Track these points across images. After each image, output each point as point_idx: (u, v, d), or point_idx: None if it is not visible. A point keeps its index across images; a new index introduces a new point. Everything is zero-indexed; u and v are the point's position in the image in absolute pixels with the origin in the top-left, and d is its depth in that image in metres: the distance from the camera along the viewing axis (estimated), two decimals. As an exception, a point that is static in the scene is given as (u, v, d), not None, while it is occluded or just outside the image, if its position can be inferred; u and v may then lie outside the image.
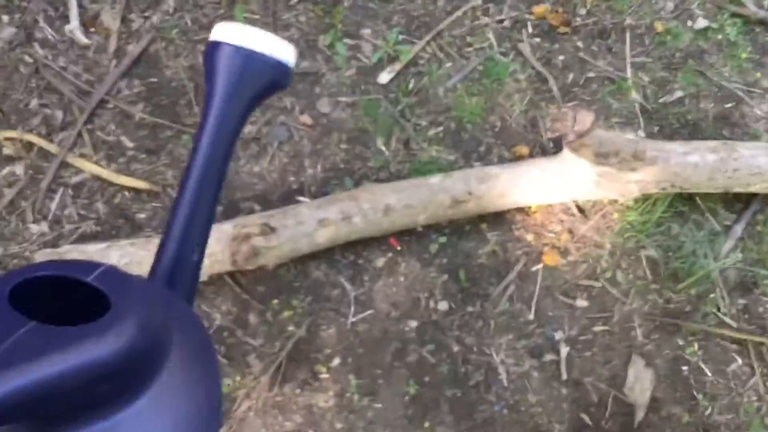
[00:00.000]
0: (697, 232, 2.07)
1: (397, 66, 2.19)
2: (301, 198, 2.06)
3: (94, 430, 0.51)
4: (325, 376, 1.93)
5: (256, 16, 2.23)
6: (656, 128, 2.20)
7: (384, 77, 2.17)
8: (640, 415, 1.94)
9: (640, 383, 1.96)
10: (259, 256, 1.89)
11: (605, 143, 1.95)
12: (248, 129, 2.12)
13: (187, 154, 2.09)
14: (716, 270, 2.04)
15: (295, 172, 2.10)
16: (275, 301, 1.98)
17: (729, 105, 2.24)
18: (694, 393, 1.97)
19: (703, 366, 1.99)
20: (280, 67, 0.76)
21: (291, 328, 1.95)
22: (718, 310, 2.04)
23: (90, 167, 2.10)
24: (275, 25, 2.22)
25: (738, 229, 2.10)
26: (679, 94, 2.23)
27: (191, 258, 0.69)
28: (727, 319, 2.03)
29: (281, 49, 0.76)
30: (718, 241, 2.07)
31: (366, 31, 2.24)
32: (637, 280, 2.05)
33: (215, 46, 0.76)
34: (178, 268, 0.71)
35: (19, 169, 2.10)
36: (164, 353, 0.55)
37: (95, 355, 0.48)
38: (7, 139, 2.11)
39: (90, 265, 0.53)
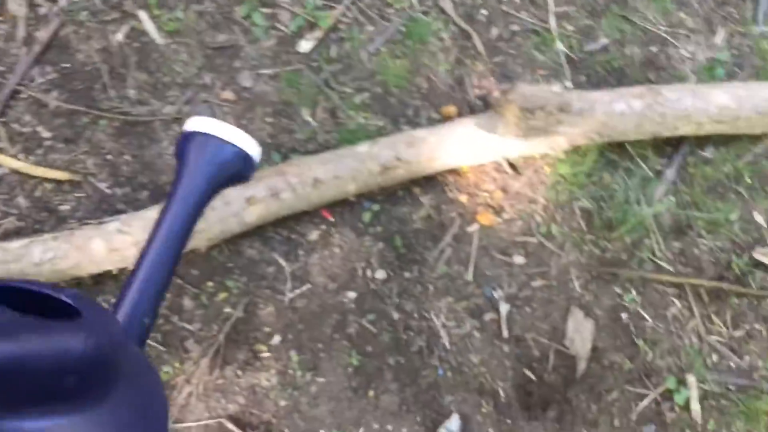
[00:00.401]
0: (628, 180, 2.07)
1: (318, 33, 2.13)
2: (228, 176, 2.01)
3: (49, 423, 0.55)
4: (266, 354, 1.90)
5: (168, -9, 2.15)
6: (583, 78, 2.18)
7: (305, 46, 2.12)
8: (582, 365, 1.95)
9: (580, 334, 1.97)
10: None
11: (530, 98, 1.92)
12: (167, 109, 2.06)
13: (105, 139, 2.03)
14: (650, 216, 2.05)
15: (220, 150, 2.05)
16: (210, 284, 1.94)
17: (654, 48, 2.23)
18: (635, 339, 1.99)
19: (642, 312, 2.01)
20: (247, 159, 0.85)
21: (228, 309, 1.92)
22: (654, 255, 2.05)
23: (7, 161, 2.02)
24: (189, 0, 2.15)
25: (669, 174, 2.11)
26: (604, 41, 2.21)
27: (143, 320, 0.73)
28: (664, 264, 2.05)
29: (248, 144, 0.85)
30: (650, 187, 2.08)
31: (283, -1, 2.18)
32: (573, 232, 2.05)
33: (190, 135, 0.85)
34: (130, 327, 0.75)
35: (-67, 168, 2.02)
36: (118, 374, 0.60)
37: (68, 345, 0.54)
38: None
39: (59, 288, 0.60)
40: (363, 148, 1.92)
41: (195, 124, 0.86)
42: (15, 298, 0.57)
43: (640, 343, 1.98)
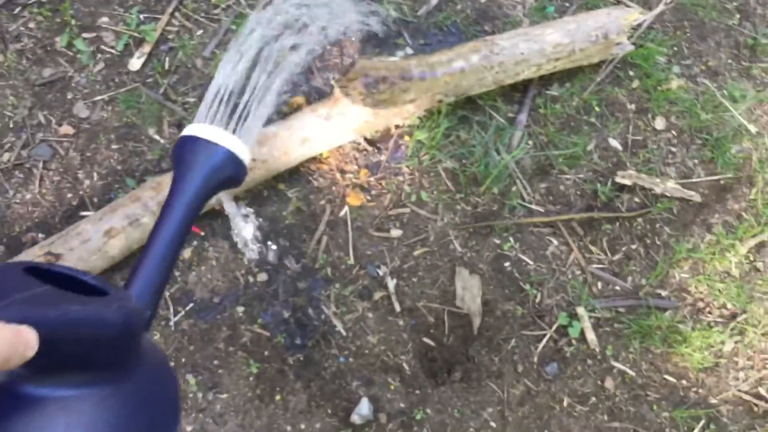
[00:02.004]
0: (484, 133, 2.10)
1: (146, 48, 2.07)
2: (85, 213, 1.93)
3: (81, 392, 0.58)
4: (162, 384, 1.85)
5: (-21, 35, 2.04)
6: (422, 41, 2.19)
7: (135, 63, 2.05)
8: (476, 321, 1.98)
9: (469, 292, 2.00)
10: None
11: (371, 72, 1.92)
12: (6, 156, 1.96)
13: (-54, 202, 1.92)
14: (511, 163, 2.09)
15: (71, 187, 1.97)
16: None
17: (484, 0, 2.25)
18: (521, 285, 2.03)
19: (523, 257, 2.05)
20: (238, 162, 0.90)
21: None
22: (523, 200, 2.10)
23: None
24: (4, 40, 2.04)
25: (522, 118, 2.15)
26: (434, 1, 2.22)
27: (146, 312, 0.76)
28: (534, 207, 2.09)
29: (240, 148, 0.90)
30: (506, 135, 2.11)
31: (103, 20, 2.09)
32: (442, 194, 2.07)
33: (188, 139, 0.89)
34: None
35: None
36: (141, 350, 0.65)
37: (104, 315, 0.58)
38: None
39: (82, 271, 0.65)
40: (215, 155, 1.87)
41: (190, 129, 0.91)
42: (47, 279, 0.60)
43: (527, 287, 2.02)
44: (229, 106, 0.99)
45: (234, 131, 0.96)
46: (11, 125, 1.99)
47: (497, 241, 2.05)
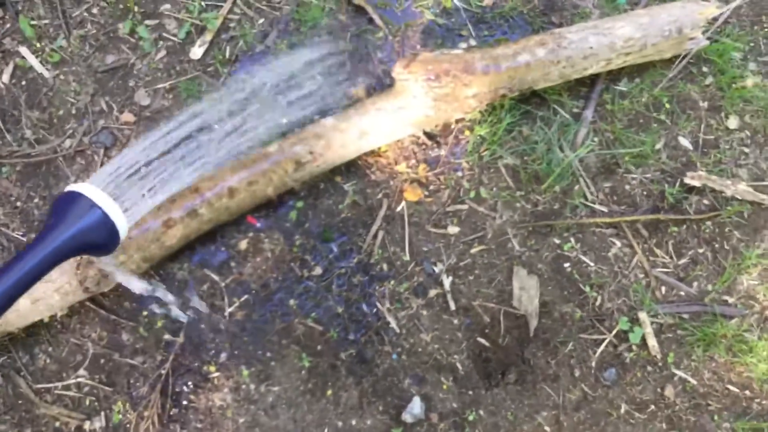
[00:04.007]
0: (547, 129, 2.04)
1: (208, 36, 2.06)
2: (144, 200, 1.94)
3: None
4: (215, 374, 1.86)
5: (45, 21, 2.06)
6: (486, 33, 2.13)
7: (196, 52, 2.04)
8: (533, 323, 1.93)
9: (526, 292, 1.95)
10: (110, 274, 1.78)
11: (432, 64, 1.88)
12: (68, 143, 1.98)
13: (11, 186, 1.95)
14: (575, 161, 2.02)
15: (130, 175, 1.98)
16: (145, 314, 1.88)
17: (552, -10, 2.18)
18: (581, 287, 1.97)
19: (583, 258, 1.99)
20: (112, 230, 0.93)
21: (168, 336, 1.87)
22: (586, 199, 2.03)
23: None
24: (68, 26, 2.05)
25: (588, 114, 2.08)
26: (501, -8, 2.16)
27: None
28: (597, 206, 2.03)
29: (120, 221, 0.94)
30: (570, 132, 2.05)
31: (165, 7, 2.09)
32: (502, 191, 2.02)
33: (73, 194, 0.93)
34: None
35: None
36: None
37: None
38: None
39: None
40: (273, 148, 1.86)
41: (79, 186, 0.94)
42: None
43: (587, 289, 1.96)
44: (130, 180, 0.99)
45: (123, 203, 0.95)
46: (74, 111, 2.00)
47: (557, 241, 2.00)
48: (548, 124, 2.04)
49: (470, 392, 1.89)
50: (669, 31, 1.99)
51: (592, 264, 1.99)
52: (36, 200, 1.95)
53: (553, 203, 2.01)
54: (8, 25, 2.06)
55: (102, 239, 0.93)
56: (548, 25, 2.13)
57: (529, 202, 2.01)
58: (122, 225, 0.93)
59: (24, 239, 1.92)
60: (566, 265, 1.98)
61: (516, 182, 2.02)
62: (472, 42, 2.11)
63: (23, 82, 2.03)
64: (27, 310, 1.77)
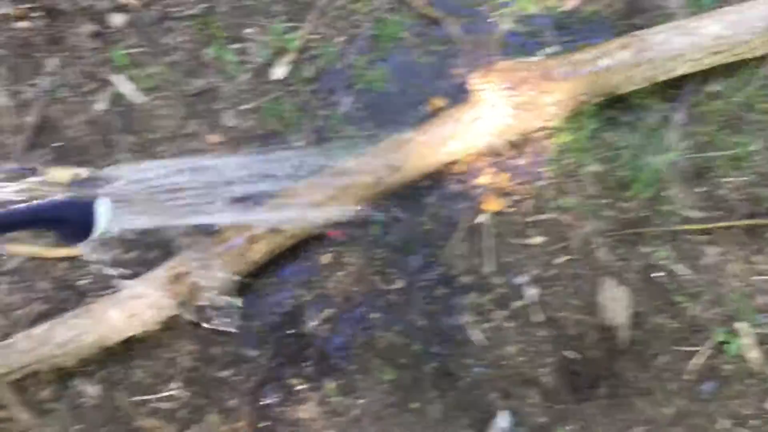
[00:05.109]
0: (633, 134, 1.97)
1: (289, 57, 2.11)
2: (231, 218, 2.01)
3: None
4: (302, 387, 1.89)
5: (138, 49, 2.16)
6: (567, 38, 2.09)
7: (279, 72, 2.10)
8: (624, 335, 1.87)
9: (615, 303, 1.89)
10: (200, 289, 1.84)
11: (510, 73, 1.86)
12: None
13: (108, 208, 2.05)
14: (664, 165, 1.95)
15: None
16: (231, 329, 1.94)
17: (635, -9, 2.12)
18: (674, 297, 1.89)
19: (676, 267, 1.91)
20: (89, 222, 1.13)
21: (253, 351, 1.91)
22: (677, 206, 1.95)
23: (23, 249, 2.07)
24: (158, 53, 2.15)
25: (678, 117, 2.01)
26: (580, -4, 2.12)
27: None
28: (689, 213, 1.94)
29: (104, 212, 1.09)
30: (658, 136, 1.97)
31: (248, 31, 2.16)
32: (587, 200, 1.97)
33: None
34: None
35: (-43, 271, 2.08)
36: None
37: None
38: (-66, 245, 2.09)
39: None
40: (352, 163, 1.88)
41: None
42: None
43: (680, 299, 1.88)
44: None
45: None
46: (166, 135, 2.09)
47: (647, 250, 1.92)
48: (634, 129, 1.98)
49: (559, 406, 1.84)
50: (760, 28, 1.90)
51: (685, 273, 1.91)
52: (132, 220, 2.04)
53: (642, 211, 1.95)
54: (104, 55, 2.18)
55: (75, 217, 1.04)
56: (632, 28, 2.07)
57: (616, 210, 1.95)
58: (102, 219, 1.01)
59: (122, 258, 2.02)
60: (657, 274, 1.91)
61: (601, 190, 1.97)
62: (554, 49, 2.07)
63: (118, 108, 2.13)
64: (122, 324, 1.85)
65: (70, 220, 1.05)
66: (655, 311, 1.88)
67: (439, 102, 2.05)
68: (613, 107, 2.00)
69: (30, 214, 1.06)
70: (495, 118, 1.87)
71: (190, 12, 2.20)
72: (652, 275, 1.91)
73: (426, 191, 2.00)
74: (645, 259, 1.92)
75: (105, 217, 1.01)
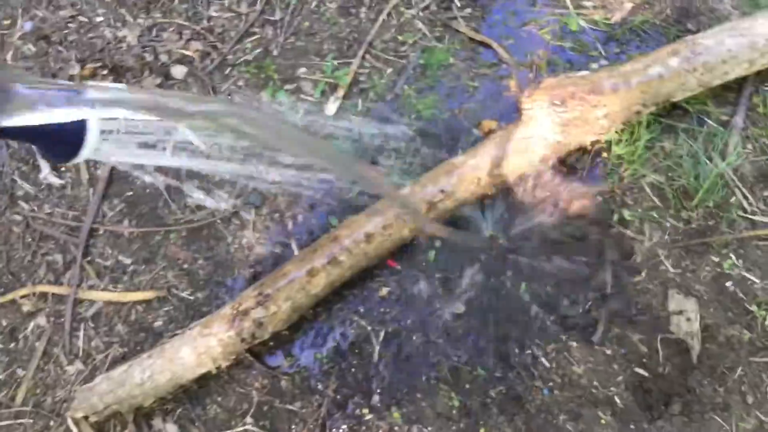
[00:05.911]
0: (692, 141, 1.92)
1: (340, 92, 2.16)
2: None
3: None
4: (368, 417, 1.90)
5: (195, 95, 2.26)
6: (618, 50, 2.06)
7: (331, 108, 2.15)
8: (696, 348, 1.80)
9: (685, 316, 1.83)
10: (264, 325, 1.89)
11: (557, 90, 1.84)
12: (223, 206, 2.14)
13: (178, 251, 2.13)
14: (727, 171, 1.88)
15: (279, 230, 2.10)
16: (299, 363, 1.97)
17: (685, -4, 2.08)
18: (747, 306, 1.82)
19: (747, 275, 1.84)
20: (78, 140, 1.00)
21: (320, 384, 1.94)
22: (745, 211, 1.88)
23: (100, 295, 2.17)
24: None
25: (738, 120, 1.94)
26: (628, 6, 2.09)
27: None
28: (758, 218, 1.87)
29: (93, 132, 0.99)
30: (718, 141, 1.91)
31: (302, 71, 2.22)
32: (648, 212, 1.92)
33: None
34: None
35: (41, 320, 2.20)
36: None
37: None
38: (23, 296, 2.22)
39: None
40: (405, 190, 1.90)
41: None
42: None
43: (754, 308, 1.81)
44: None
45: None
46: (227, 177, 2.17)
47: (716, 259, 1.86)
48: (693, 136, 1.92)
49: (631, 426, 1.78)
50: (820, 21, 1.83)
51: (758, 281, 1.83)
52: (200, 261, 2.12)
53: (707, 219, 1.88)
54: (168, 106, 2.28)
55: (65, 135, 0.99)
56: (684, 33, 2.03)
57: (680, 220, 1.90)
58: (91, 131, 0.98)
59: (192, 298, 2.09)
60: (728, 284, 1.84)
61: (662, 201, 1.92)
62: (603, 62, 2.05)
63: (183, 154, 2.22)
64: (194, 362, 1.91)
65: (60, 137, 1.02)
66: (727, 322, 1.81)
67: (490, 124, 2.05)
68: (669, 115, 1.95)
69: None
70: (545, 136, 1.86)
71: (246, 57, 2.28)
72: (723, 285, 1.84)
73: (481, 214, 1.99)
74: (714, 268, 1.85)
75: (93, 141, 1.01)
